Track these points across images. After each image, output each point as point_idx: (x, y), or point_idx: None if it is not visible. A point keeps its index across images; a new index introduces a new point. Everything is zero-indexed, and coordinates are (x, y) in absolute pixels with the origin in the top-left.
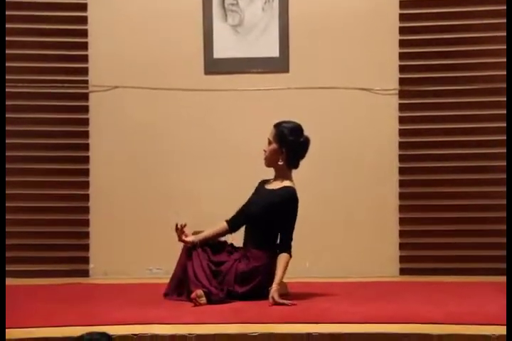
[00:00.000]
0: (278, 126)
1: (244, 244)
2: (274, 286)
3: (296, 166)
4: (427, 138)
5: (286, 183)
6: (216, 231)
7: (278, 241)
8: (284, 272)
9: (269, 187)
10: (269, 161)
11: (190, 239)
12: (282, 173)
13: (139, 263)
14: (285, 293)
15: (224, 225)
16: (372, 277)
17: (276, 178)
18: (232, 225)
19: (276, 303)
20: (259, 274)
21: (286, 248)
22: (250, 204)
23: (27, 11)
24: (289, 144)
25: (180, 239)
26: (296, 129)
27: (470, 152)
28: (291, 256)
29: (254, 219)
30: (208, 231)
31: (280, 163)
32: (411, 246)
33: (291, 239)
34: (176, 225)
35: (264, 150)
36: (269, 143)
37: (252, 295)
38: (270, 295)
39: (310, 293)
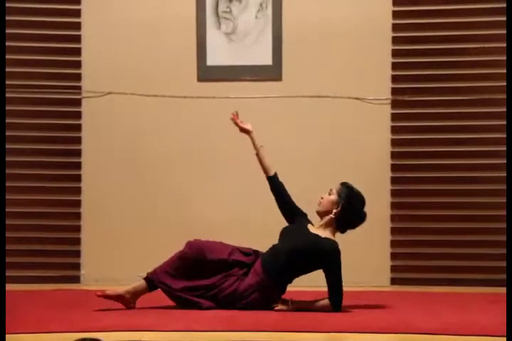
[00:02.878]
0: (346, 185)
1: (262, 265)
2: (289, 307)
3: (342, 230)
4: (420, 148)
5: (332, 237)
6: (268, 166)
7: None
8: (310, 307)
9: (313, 230)
10: (323, 208)
11: (250, 126)
12: (328, 226)
13: (130, 270)
14: None
15: (273, 169)
16: (363, 287)
17: (322, 227)
18: (274, 183)
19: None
20: (257, 295)
21: (332, 299)
22: (290, 235)
23: (20, 16)
24: (349, 205)
25: (239, 126)
26: (362, 199)
27: (462, 162)
28: (333, 310)
29: (288, 254)
30: (267, 159)
31: (332, 215)
32: (402, 256)
33: (339, 295)
34: (232, 114)
35: (322, 197)
36: (330, 193)
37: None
38: (277, 305)
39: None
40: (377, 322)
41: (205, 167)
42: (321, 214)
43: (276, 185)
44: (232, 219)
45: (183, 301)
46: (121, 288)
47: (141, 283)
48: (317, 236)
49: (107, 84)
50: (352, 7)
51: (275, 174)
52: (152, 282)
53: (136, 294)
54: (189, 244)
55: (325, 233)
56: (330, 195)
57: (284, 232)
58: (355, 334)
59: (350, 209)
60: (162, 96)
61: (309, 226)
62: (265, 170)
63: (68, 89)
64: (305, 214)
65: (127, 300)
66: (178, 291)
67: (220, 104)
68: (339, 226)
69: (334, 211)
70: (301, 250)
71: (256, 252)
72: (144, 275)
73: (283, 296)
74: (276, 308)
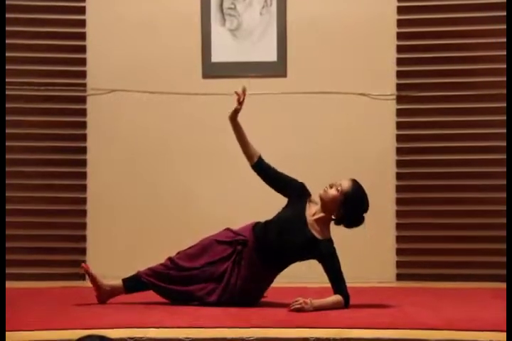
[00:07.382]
0: (356, 184)
1: (256, 248)
2: (310, 305)
3: (337, 224)
4: (425, 144)
5: (327, 232)
6: (248, 144)
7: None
8: (327, 306)
9: (310, 221)
10: (326, 199)
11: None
12: (326, 220)
13: (136, 267)
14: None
15: (257, 154)
16: (368, 282)
17: (319, 219)
18: (259, 165)
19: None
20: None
21: (343, 293)
22: (286, 229)
23: (25, 14)
24: (351, 208)
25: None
26: (365, 205)
27: (468, 157)
28: (345, 305)
29: (284, 251)
30: (245, 137)
31: (333, 216)
32: (408, 252)
33: (346, 287)
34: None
35: (331, 187)
36: (337, 189)
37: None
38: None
39: (307, 298)
40: (381, 318)
41: (211, 164)
42: (322, 202)
43: (262, 174)
44: (237, 217)
45: (177, 295)
46: (104, 281)
47: (118, 282)
48: (314, 238)
49: (112, 81)
50: (356, 3)
51: (260, 160)
52: (136, 281)
53: (112, 293)
54: (169, 260)
55: (321, 225)
56: (337, 190)
57: (279, 221)
58: (360, 330)
59: (351, 213)
60: (167, 93)
61: (307, 215)
62: (248, 151)
63: (73, 86)
64: (305, 194)
65: (101, 293)
66: (170, 286)
67: (225, 101)
68: (336, 223)
69: (336, 213)
70: (297, 251)
71: (239, 236)
72: None
73: (299, 296)
74: (293, 308)
